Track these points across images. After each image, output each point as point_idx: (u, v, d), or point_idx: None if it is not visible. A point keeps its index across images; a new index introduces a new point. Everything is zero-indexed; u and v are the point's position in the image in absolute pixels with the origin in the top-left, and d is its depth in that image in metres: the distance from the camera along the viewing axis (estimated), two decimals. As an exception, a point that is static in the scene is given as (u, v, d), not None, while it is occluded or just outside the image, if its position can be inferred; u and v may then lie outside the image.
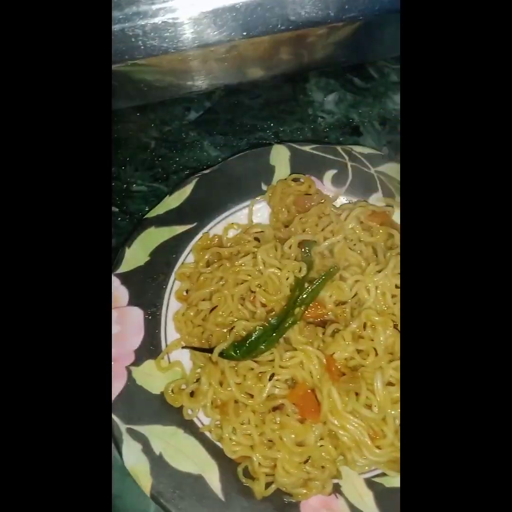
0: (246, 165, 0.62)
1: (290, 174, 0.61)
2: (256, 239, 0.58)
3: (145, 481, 0.47)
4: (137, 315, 0.55)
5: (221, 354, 0.50)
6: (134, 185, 0.67)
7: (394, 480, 0.48)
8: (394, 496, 0.48)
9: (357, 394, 0.47)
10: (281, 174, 0.62)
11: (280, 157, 0.62)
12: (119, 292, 0.55)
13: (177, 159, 0.69)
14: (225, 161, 0.62)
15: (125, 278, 0.56)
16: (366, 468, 0.49)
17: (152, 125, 0.71)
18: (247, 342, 0.50)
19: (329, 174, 0.62)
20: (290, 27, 0.52)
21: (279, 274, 0.52)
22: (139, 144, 0.70)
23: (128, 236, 0.58)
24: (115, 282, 0.55)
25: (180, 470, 0.48)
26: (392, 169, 0.60)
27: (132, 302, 0.55)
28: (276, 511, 0.47)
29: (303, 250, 0.53)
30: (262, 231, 0.59)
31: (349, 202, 0.61)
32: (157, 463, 0.48)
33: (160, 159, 0.69)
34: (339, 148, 0.62)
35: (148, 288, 0.56)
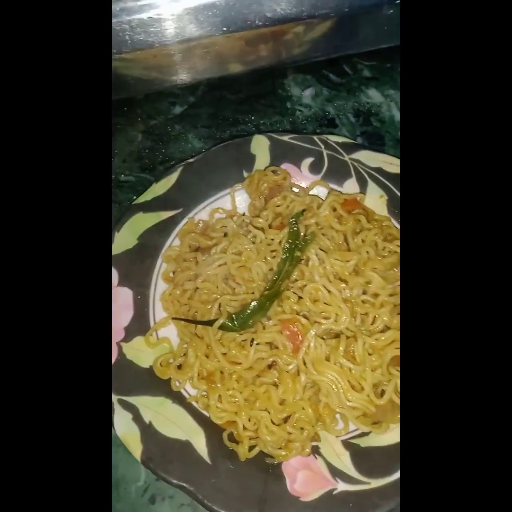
0: (228, 154, 0.65)
1: (269, 162, 0.65)
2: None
3: (136, 448, 0.50)
4: (127, 295, 0.58)
5: (220, 327, 0.53)
6: (122, 175, 0.70)
7: (369, 440, 0.51)
8: (369, 454, 0.51)
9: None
10: (261, 162, 0.65)
11: (260, 146, 0.66)
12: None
13: (163, 150, 0.72)
14: (208, 151, 0.66)
15: (115, 261, 0.59)
16: (343, 432, 0.52)
17: (139, 119, 0.74)
18: (245, 313, 0.53)
19: (307, 162, 0.66)
20: (267, 23, 0.56)
21: (255, 256, 0.56)
22: (126, 137, 0.73)
23: (117, 221, 0.62)
24: (105, 264, 0.58)
25: (168, 436, 0.51)
26: (364, 156, 0.64)
27: (122, 283, 0.58)
28: (260, 472, 0.50)
29: (290, 220, 0.57)
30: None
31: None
32: (147, 431, 0.51)
33: (146, 151, 0.72)
34: (315, 137, 0.66)
35: (137, 270, 0.59)
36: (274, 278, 0.55)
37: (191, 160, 0.65)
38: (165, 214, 0.62)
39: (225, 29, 0.55)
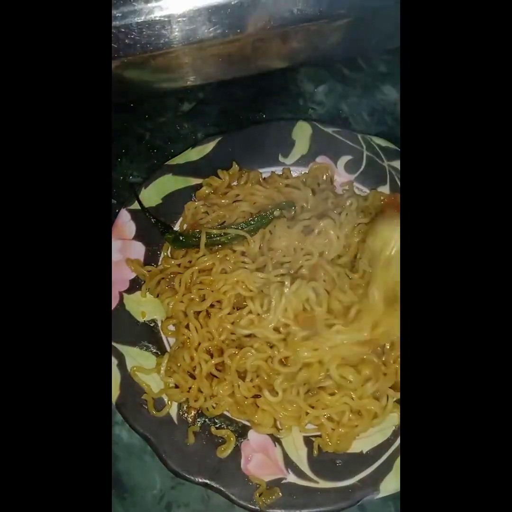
0: (268, 134, 0.65)
1: (307, 152, 0.65)
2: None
3: (114, 391, 0.54)
4: (139, 249, 0.61)
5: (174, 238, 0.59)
6: (130, 177, 0.68)
7: (327, 445, 0.53)
8: (326, 456, 0.53)
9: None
10: (299, 150, 0.65)
11: (302, 133, 0.65)
12: (127, 226, 0.61)
13: (172, 150, 0.69)
14: (249, 127, 0.66)
15: (135, 215, 0.61)
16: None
17: (146, 116, 0.71)
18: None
19: (345, 159, 0.65)
20: (283, 24, 0.54)
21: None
22: (134, 135, 0.71)
23: (147, 176, 0.63)
24: (126, 216, 0.61)
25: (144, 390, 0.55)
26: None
27: (137, 237, 0.61)
28: (221, 444, 0.53)
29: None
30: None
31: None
32: (127, 379, 0.55)
33: (155, 150, 0.70)
34: (359, 136, 0.65)
35: (153, 228, 0.61)
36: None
37: (230, 133, 0.65)
38: (194, 181, 0.63)
39: (239, 30, 0.53)
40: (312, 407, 0.52)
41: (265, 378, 0.52)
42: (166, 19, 0.54)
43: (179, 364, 0.55)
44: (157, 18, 0.54)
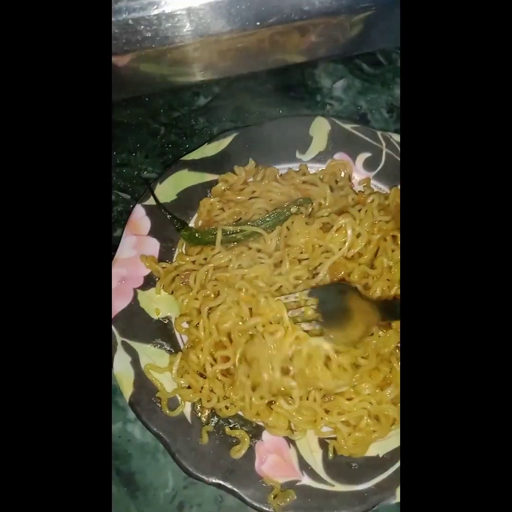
0: (285, 129, 0.64)
1: (325, 148, 0.63)
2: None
3: (127, 389, 0.53)
4: (154, 245, 0.60)
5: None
6: (145, 172, 0.67)
7: (343, 449, 0.52)
8: (341, 459, 0.52)
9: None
10: (317, 146, 0.64)
11: (320, 129, 0.64)
12: (142, 222, 0.60)
13: (187, 146, 0.68)
14: (266, 122, 0.65)
15: (150, 210, 0.60)
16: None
17: (161, 110, 0.71)
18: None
19: (363, 156, 0.63)
20: (304, 17, 0.52)
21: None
22: (148, 130, 0.70)
23: (162, 172, 0.63)
24: (141, 212, 0.60)
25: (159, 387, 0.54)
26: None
27: (152, 233, 0.60)
28: (235, 444, 0.52)
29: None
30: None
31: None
32: (141, 376, 0.54)
33: (170, 145, 0.69)
34: (379, 133, 0.63)
35: (169, 224, 0.60)
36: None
37: (247, 127, 0.64)
38: (209, 177, 0.63)
39: (258, 23, 0.52)
40: (328, 412, 0.51)
41: (282, 389, 0.51)
42: (184, 11, 0.53)
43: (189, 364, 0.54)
44: (176, 11, 0.53)
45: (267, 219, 0.57)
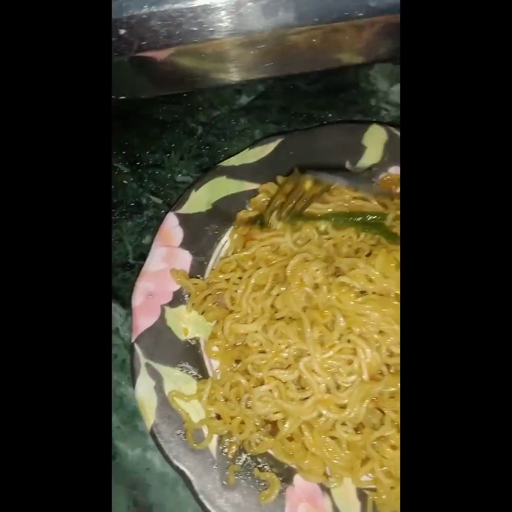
0: (336, 137, 0.58)
1: (379, 160, 0.57)
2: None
3: (149, 417, 0.49)
4: (185, 258, 0.55)
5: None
6: (179, 175, 0.62)
7: (385, 499, 0.46)
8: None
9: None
10: (370, 158, 0.57)
11: (376, 139, 0.58)
12: (175, 232, 0.55)
13: (226, 148, 0.63)
14: (314, 128, 0.59)
15: (184, 220, 0.55)
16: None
17: (200, 108, 0.65)
18: None
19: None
20: (370, 14, 0.46)
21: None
22: (185, 129, 0.65)
23: (198, 179, 0.58)
24: (173, 221, 0.55)
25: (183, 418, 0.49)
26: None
27: (184, 245, 0.55)
28: (264, 487, 0.48)
29: None
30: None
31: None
32: (164, 404, 0.50)
33: (207, 147, 0.64)
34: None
35: (202, 236, 0.55)
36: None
37: (293, 133, 0.58)
38: (249, 185, 0.57)
39: (317, 19, 0.46)
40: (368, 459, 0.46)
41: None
42: (233, 2, 0.48)
43: (221, 392, 0.49)
44: (222, 3, 0.47)
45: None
